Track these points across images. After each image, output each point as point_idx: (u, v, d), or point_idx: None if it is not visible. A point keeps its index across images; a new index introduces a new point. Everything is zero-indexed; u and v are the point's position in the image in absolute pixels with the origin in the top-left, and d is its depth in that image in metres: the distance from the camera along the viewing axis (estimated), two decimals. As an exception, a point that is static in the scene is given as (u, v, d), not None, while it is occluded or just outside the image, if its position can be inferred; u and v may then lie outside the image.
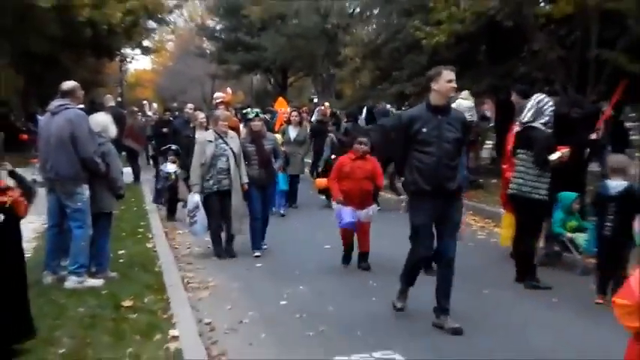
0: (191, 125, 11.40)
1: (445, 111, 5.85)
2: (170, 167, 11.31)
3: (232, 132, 8.93)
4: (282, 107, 16.00)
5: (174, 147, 11.41)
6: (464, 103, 13.54)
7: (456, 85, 5.90)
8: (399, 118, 6.61)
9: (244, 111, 11.03)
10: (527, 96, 8.78)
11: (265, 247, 8.97)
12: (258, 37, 36.33)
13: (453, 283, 5.89)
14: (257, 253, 8.69)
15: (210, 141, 8.51)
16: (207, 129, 10.02)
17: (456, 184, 5.88)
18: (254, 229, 8.80)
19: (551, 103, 7.64)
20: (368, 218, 7.88)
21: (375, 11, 25.50)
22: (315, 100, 34.42)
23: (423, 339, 5.55)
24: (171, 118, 16.85)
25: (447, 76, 5.76)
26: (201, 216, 8.49)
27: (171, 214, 11.42)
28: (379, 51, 19.24)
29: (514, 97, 9.05)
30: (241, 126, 10.86)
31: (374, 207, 7.96)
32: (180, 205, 11.17)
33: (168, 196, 11.42)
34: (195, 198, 8.48)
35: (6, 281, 4.88)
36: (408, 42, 17.32)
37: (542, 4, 14.49)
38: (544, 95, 7.98)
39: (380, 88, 19.66)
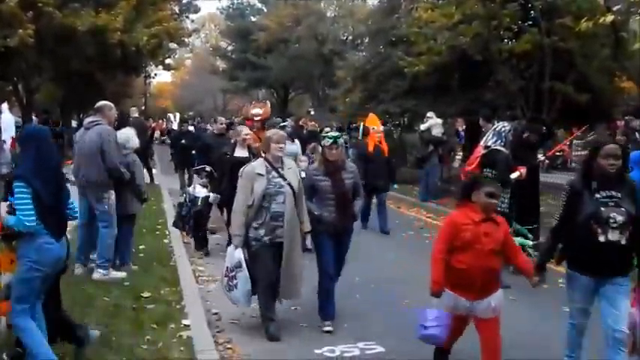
0: (232, 140, 8.66)
1: None
2: (199, 191, 8.51)
3: (290, 161, 5.84)
4: (374, 125, 10.91)
5: (208, 168, 8.67)
6: (438, 120, 13.70)
7: None
8: None
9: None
10: (490, 120, 8.91)
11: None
12: (264, 58, 36.58)
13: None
14: (328, 328, 5.56)
15: (261, 174, 5.33)
16: (249, 148, 7.83)
17: None
18: (325, 292, 5.68)
19: (509, 128, 7.74)
20: (491, 313, 4.29)
21: (366, 40, 25.59)
22: (312, 113, 34.51)
23: (402, 332, 5.48)
24: (190, 129, 16.60)
25: None
26: (244, 279, 5.34)
27: (200, 244, 8.60)
28: (368, 75, 19.21)
29: (481, 121, 9.14)
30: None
31: (499, 295, 4.33)
32: (209, 234, 8.84)
33: (195, 224, 8.50)
34: (237, 254, 5.33)
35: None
36: (392, 69, 17.32)
37: (505, 42, 14.61)
38: (503, 122, 8.08)
39: (367, 107, 19.67)
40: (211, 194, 8.29)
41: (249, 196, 5.27)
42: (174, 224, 8.81)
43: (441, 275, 4.23)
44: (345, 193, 5.70)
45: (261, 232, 5.30)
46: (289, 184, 5.34)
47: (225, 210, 8.24)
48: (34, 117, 20.00)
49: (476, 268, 4.17)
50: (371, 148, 10.16)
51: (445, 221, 4.53)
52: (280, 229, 5.29)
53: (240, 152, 7.83)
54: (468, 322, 4.44)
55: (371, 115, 11.55)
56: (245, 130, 8.18)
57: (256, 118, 9.00)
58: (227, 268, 5.43)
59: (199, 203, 8.35)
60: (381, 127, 11.18)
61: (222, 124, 10.80)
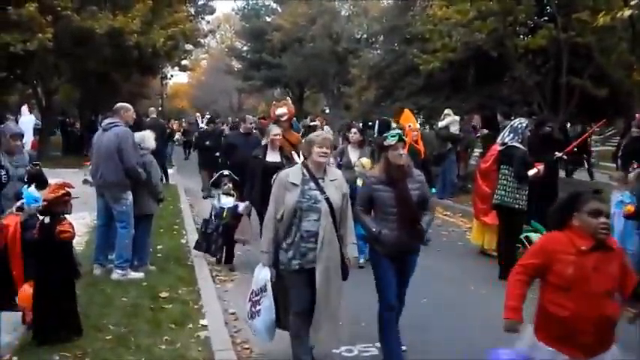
0: (263, 142, 7.85)
1: None
2: (225, 200, 7.55)
3: (336, 171, 4.82)
4: (409, 122, 9.89)
5: (226, 172, 7.79)
6: (456, 117, 13.58)
7: None
8: None
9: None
10: (508, 116, 8.80)
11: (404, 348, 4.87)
12: (279, 57, 36.68)
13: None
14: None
15: (295, 184, 4.35)
16: (281, 151, 7.12)
17: None
18: (386, 323, 4.75)
19: (525, 124, 7.61)
20: None
21: (380, 38, 25.53)
22: (327, 112, 34.52)
23: (420, 332, 5.42)
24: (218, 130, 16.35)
25: None
26: (268, 307, 4.50)
27: (230, 257, 7.68)
28: (382, 73, 19.16)
29: (499, 118, 9.06)
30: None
31: (615, 351, 3.20)
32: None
33: (223, 241, 7.54)
34: (263, 274, 4.49)
35: (54, 278, 4.80)
36: (407, 66, 17.24)
37: (521, 37, 14.44)
38: (519, 118, 7.95)
39: (382, 104, 19.59)
40: (240, 204, 7.42)
41: (280, 208, 4.34)
42: (197, 247, 7.67)
43: (517, 301, 3.22)
44: (412, 206, 4.62)
45: (290, 253, 4.33)
46: (327, 199, 4.31)
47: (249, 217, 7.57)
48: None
49: (584, 317, 3.00)
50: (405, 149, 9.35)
51: (539, 240, 3.53)
52: (313, 254, 4.26)
53: (272, 156, 7.10)
54: None
55: (406, 111, 10.47)
56: (275, 130, 7.31)
57: (282, 119, 8.06)
58: (252, 291, 4.57)
59: (224, 215, 7.46)
60: (418, 125, 9.99)
61: (251, 123, 9.90)
